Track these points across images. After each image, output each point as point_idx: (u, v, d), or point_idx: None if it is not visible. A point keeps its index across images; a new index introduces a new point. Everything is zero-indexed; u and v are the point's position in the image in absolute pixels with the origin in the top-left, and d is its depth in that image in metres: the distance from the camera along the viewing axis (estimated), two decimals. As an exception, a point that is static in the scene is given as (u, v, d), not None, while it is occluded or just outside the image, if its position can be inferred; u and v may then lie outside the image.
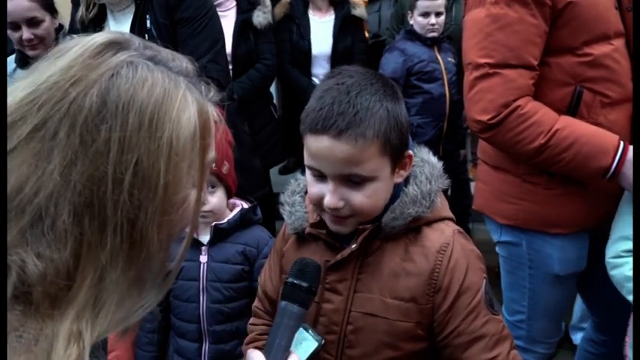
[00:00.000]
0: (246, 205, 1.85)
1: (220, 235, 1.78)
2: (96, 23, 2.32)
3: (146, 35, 2.20)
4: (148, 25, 2.22)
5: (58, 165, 0.63)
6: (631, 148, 1.62)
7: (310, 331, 1.13)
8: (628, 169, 1.61)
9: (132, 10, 2.28)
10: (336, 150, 1.11)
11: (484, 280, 1.24)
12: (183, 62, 0.76)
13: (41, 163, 0.63)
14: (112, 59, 0.68)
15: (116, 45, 0.70)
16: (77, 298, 0.63)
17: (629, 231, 1.65)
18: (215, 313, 1.77)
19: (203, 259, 1.78)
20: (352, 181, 1.15)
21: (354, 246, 1.22)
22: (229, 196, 1.81)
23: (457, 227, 1.28)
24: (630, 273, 1.63)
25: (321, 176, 1.17)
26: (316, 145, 1.14)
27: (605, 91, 1.68)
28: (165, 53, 0.75)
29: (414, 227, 1.24)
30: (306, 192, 1.34)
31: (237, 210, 1.82)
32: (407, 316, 1.22)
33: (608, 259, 1.70)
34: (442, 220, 1.27)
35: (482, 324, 1.20)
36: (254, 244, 1.79)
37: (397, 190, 1.23)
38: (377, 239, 1.24)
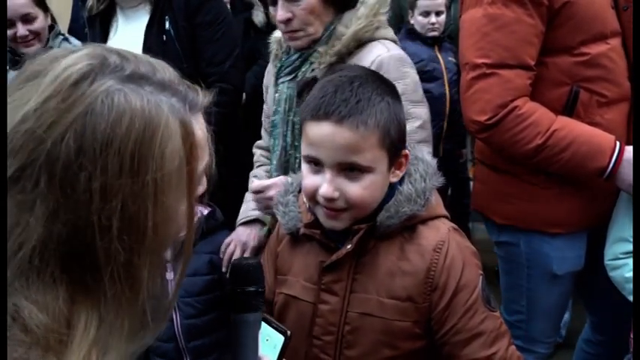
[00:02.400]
0: (205, 212, 1.77)
1: None
2: (103, 17, 2.28)
3: (164, 36, 2.19)
4: (167, 26, 2.20)
5: (41, 216, 0.60)
6: (627, 148, 1.63)
7: (273, 325, 1.08)
8: (624, 169, 1.61)
9: (146, 9, 2.25)
10: (337, 136, 1.13)
11: (480, 277, 1.24)
12: (165, 71, 0.70)
13: (24, 215, 0.60)
14: (87, 93, 0.62)
15: (91, 73, 0.64)
16: (80, 343, 0.61)
17: (626, 232, 1.65)
18: (190, 329, 1.70)
19: (169, 275, 1.71)
20: (350, 170, 1.15)
21: (349, 246, 1.22)
22: None
23: (452, 224, 1.28)
24: (629, 274, 1.63)
25: (317, 165, 1.18)
26: (317, 131, 1.15)
27: (601, 90, 1.68)
28: (146, 65, 0.69)
29: (409, 226, 1.24)
30: (299, 191, 1.33)
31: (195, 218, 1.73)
32: (404, 315, 1.21)
33: (607, 261, 1.70)
34: (437, 218, 1.27)
35: (480, 321, 1.20)
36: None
37: (392, 190, 1.23)
38: (372, 238, 1.23)
